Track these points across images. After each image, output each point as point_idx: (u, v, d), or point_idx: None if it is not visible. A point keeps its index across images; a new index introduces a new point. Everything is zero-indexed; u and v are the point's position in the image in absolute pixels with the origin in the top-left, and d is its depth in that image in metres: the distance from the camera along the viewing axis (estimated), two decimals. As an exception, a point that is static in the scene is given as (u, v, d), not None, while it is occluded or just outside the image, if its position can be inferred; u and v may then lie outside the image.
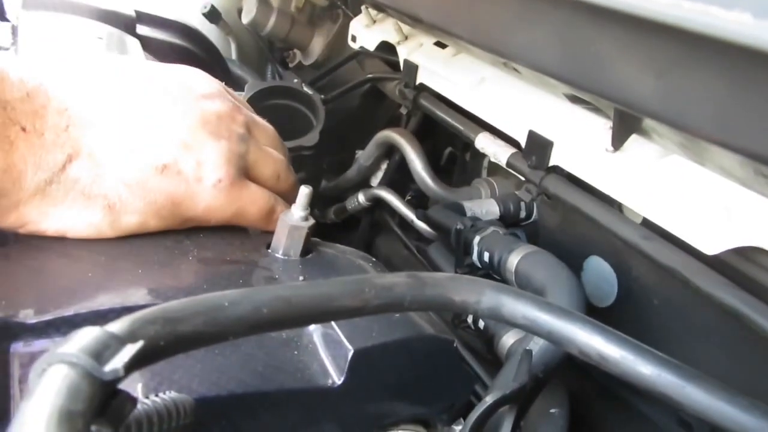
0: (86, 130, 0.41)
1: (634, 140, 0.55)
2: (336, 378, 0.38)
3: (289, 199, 0.53)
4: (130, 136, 0.43)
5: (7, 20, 0.85)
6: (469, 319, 0.70)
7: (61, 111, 0.41)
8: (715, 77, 0.22)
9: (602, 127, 0.57)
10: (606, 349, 0.34)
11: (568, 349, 0.36)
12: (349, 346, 0.38)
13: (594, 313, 0.68)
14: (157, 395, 0.27)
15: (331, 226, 1.13)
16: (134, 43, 0.89)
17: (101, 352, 0.21)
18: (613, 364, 0.34)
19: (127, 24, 0.92)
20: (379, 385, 0.40)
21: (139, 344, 0.22)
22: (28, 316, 0.33)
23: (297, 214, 0.47)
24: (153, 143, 0.44)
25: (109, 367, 0.21)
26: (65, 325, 0.26)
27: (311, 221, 0.47)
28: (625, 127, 0.50)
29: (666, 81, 0.24)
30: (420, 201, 1.02)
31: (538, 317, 0.35)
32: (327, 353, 0.39)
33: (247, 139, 0.50)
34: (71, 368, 0.20)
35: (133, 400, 0.23)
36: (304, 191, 0.47)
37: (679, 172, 0.52)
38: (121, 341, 0.22)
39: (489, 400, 0.44)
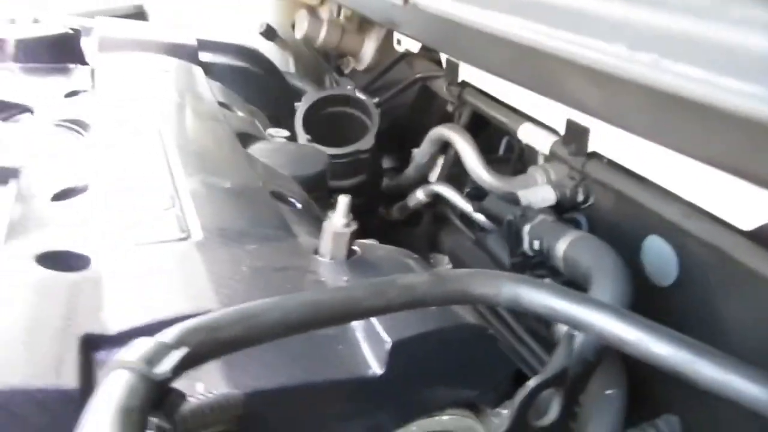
0: None
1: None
2: (377, 369, 0.42)
3: None
4: None
5: (86, 64, 0.94)
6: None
7: None
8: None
9: (635, 111, 0.58)
10: (623, 332, 0.36)
11: (588, 333, 0.38)
12: (388, 339, 0.42)
13: (656, 292, 0.69)
14: (210, 392, 0.32)
15: (396, 223, 1.17)
16: (198, 71, 0.96)
17: (153, 357, 0.26)
18: (632, 346, 0.36)
19: (190, 54, 0.99)
20: (419, 374, 0.44)
21: (184, 350, 0.27)
22: (108, 328, 0.39)
23: (339, 221, 0.51)
24: None
25: (159, 370, 0.26)
26: (137, 334, 0.31)
27: (353, 226, 0.51)
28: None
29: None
30: (479, 193, 1.04)
31: (556, 305, 0.38)
32: (368, 346, 0.43)
33: None
34: (129, 372, 0.25)
35: (184, 396, 0.28)
36: (344, 200, 0.51)
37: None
38: (170, 348, 0.27)
39: (532, 383, 0.46)
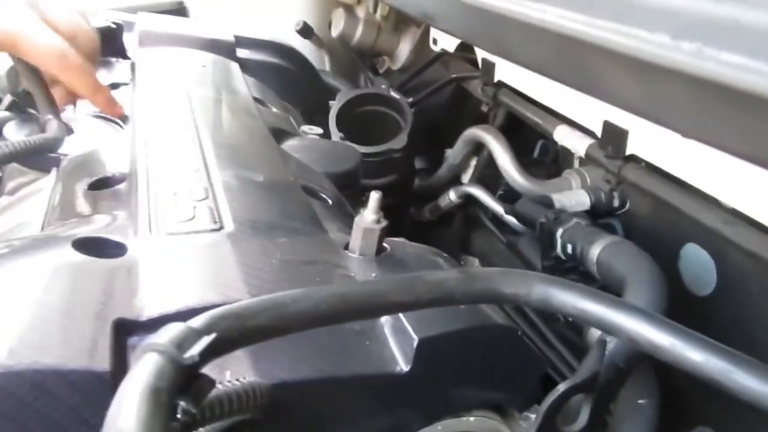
0: None
1: (708, 124, 0.53)
2: (403, 365, 0.42)
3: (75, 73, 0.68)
4: None
5: (128, 58, 0.96)
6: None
7: None
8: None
9: (676, 113, 0.56)
10: (655, 336, 0.35)
11: (619, 337, 0.37)
12: (415, 336, 0.42)
13: (695, 302, 0.67)
14: (237, 380, 0.33)
15: (427, 223, 1.17)
16: (235, 67, 0.97)
17: (182, 342, 0.26)
18: (664, 352, 0.35)
19: (228, 49, 1.01)
20: (446, 372, 0.44)
21: (213, 336, 0.27)
22: (140, 314, 0.40)
23: (369, 217, 0.51)
24: None
25: (188, 354, 0.26)
26: (168, 321, 0.32)
27: (383, 223, 0.51)
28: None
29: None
30: (512, 195, 1.03)
31: (587, 307, 0.37)
32: (395, 342, 0.43)
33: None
34: (159, 355, 0.25)
35: (212, 382, 0.28)
36: (375, 196, 0.51)
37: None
38: (199, 333, 0.27)
39: (561, 388, 0.46)
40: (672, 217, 0.67)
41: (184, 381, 0.26)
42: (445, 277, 0.36)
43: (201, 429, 0.32)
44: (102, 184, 0.63)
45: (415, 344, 0.41)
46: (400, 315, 0.43)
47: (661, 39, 0.19)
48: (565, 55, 0.30)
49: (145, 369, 0.25)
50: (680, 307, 0.55)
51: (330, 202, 0.67)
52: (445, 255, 0.55)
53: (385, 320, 0.44)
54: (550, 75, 0.34)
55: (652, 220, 0.72)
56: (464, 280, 0.36)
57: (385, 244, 0.53)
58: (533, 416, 0.50)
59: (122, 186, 0.63)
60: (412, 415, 0.44)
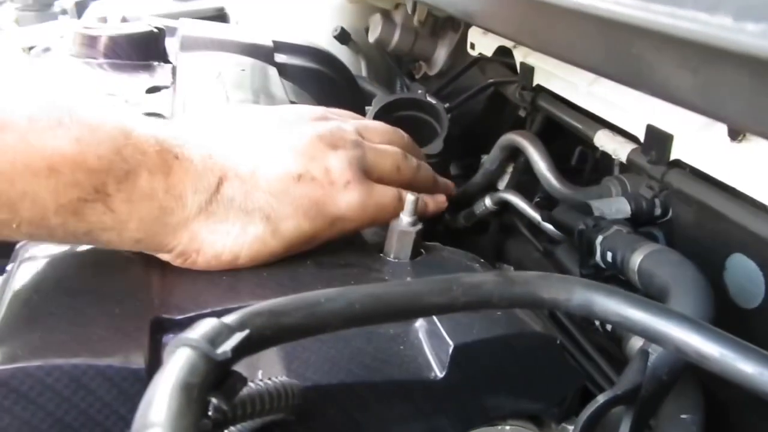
0: (227, 157, 0.48)
1: (759, 128, 0.51)
2: (438, 371, 0.41)
3: (416, 183, 0.58)
4: (264, 157, 0.50)
5: (169, 62, 0.98)
6: (597, 322, 0.69)
7: (201, 146, 0.48)
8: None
9: (724, 117, 0.54)
10: (704, 346, 0.34)
11: (664, 346, 0.35)
12: (450, 342, 0.41)
13: (741, 314, 0.64)
14: (269, 379, 0.32)
15: (462, 230, 1.15)
16: (273, 72, 0.98)
17: (215, 338, 0.26)
18: (713, 362, 0.34)
19: (266, 54, 1.02)
20: (481, 380, 0.42)
21: (246, 333, 0.27)
22: (175, 313, 0.40)
23: (405, 220, 0.50)
24: (285, 159, 0.50)
25: (220, 350, 0.26)
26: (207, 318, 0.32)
27: (419, 226, 0.51)
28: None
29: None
30: (550, 203, 1.01)
31: (631, 314, 0.36)
32: (430, 348, 0.42)
33: (360, 143, 0.55)
34: (191, 350, 0.25)
35: (244, 380, 0.28)
36: (411, 199, 0.50)
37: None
38: (232, 330, 0.27)
39: (601, 399, 0.44)
40: (718, 225, 0.65)
41: (216, 377, 0.26)
42: (483, 279, 0.35)
43: (232, 427, 0.32)
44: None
45: (450, 350, 0.40)
46: (435, 320, 0.43)
47: (722, 21, 0.18)
48: (615, 44, 0.28)
49: (177, 363, 0.24)
50: (726, 320, 0.52)
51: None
52: (482, 260, 0.54)
53: (419, 324, 0.44)
54: (598, 69, 0.33)
55: (696, 228, 0.70)
56: (502, 284, 0.35)
57: (420, 249, 0.53)
58: (571, 428, 0.48)
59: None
60: (445, 422, 0.43)
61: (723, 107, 0.24)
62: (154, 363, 0.36)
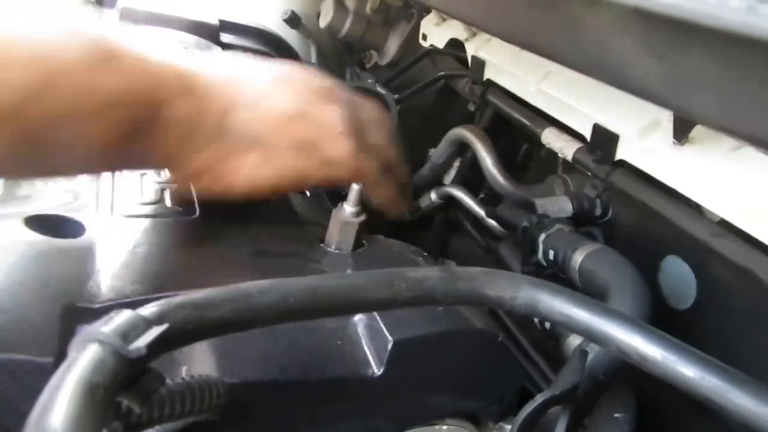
0: (235, 89, 0.51)
1: (702, 132, 0.52)
2: (376, 368, 0.39)
3: (394, 172, 0.61)
4: (267, 94, 0.52)
5: (105, 34, 0.92)
6: (536, 319, 0.69)
7: (208, 80, 0.49)
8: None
9: (669, 119, 0.55)
10: (646, 348, 0.33)
11: (606, 347, 0.35)
12: (390, 337, 0.39)
13: (673, 315, 0.66)
14: (192, 377, 0.30)
15: (406, 224, 1.14)
16: (217, 51, 0.94)
17: (129, 332, 0.23)
18: (654, 365, 0.33)
19: (211, 33, 0.97)
20: (421, 377, 0.41)
21: (165, 327, 0.24)
22: (92, 300, 0.37)
23: (348, 210, 0.48)
24: (287, 99, 0.53)
25: (134, 346, 0.23)
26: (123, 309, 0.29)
27: (362, 217, 0.49)
28: (685, 118, 0.47)
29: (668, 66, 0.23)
30: (494, 199, 1.01)
31: (575, 314, 0.35)
32: (369, 344, 0.40)
33: (355, 105, 0.58)
34: (99, 345, 0.22)
35: (162, 378, 0.25)
36: (356, 188, 0.48)
37: (752, 166, 0.49)
38: (149, 323, 0.24)
39: (539, 398, 0.44)
40: (655, 227, 0.66)
41: (127, 376, 0.23)
42: (427, 275, 0.33)
43: (149, 430, 0.29)
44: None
45: (389, 346, 0.39)
46: (376, 314, 0.41)
47: None
48: (579, 27, 0.27)
49: (81, 360, 0.22)
50: (657, 320, 0.53)
51: (308, 193, 0.65)
52: (425, 254, 0.53)
53: (358, 319, 0.42)
54: (557, 56, 0.31)
55: (634, 229, 0.71)
56: (447, 280, 0.34)
57: (362, 240, 0.51)
58: (508, 427, 0.48)
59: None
60: (382, 421, 0.41)
61: (687, 99, 0.23)
62: (65, 356, 0.33)
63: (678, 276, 0.66)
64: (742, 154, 0.50)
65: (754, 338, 0.57)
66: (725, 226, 0.53)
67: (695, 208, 0.58)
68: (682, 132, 0.51)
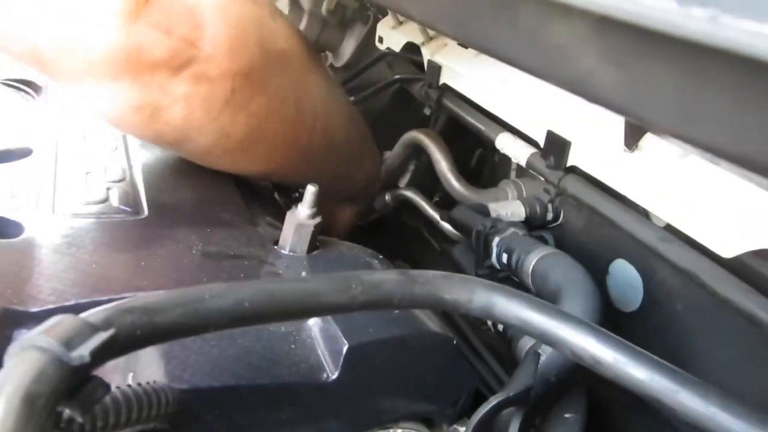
0: None
1: (651, 140, 0.53)
2: (331, 373, 0.38)
3: None
4: None
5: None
6: (489, 322, 0.69)
7: None
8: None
9: (620, 127, 0.56)
10: (599, 351, 0.34)
11: (560, 350, 0.35)
12: (345, 341, 0.38)
13: (619, 317, 0.67)
14: (139, 384, 0.28)
15: (360, 227, 1.13)
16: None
17: (72, 338, 0.22)
18: (606, 367, 0.34)
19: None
20: (376, 381, 0.41)
21: (110, 332, 0.23)
22: (31, 305, 0.35)
23: (304, 212, 0.47)
24: None
25: (76, 353, 0.22)
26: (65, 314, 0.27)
27: (318, 219, 0.48)
28: (637, 126, 0.49)
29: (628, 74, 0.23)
30: (449, 202, 1.01)
31: (530, 317, 0.35)
32: (324, 348, 0.40)
33: None
34: (39, 353, 0.21)
35: (106, 387, 0.24)
36: (311, 190, 0.48)
37: (697, 174, 0.50)
38: (94, 329, 0.23)
39: (493, 401, 0.44)
40: (605, 231, 0.67)
41: (70, 384, 0.22)
42: (383, 278, 0.33)
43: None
44: (4, 156, 0.56)
45: (344, 351, 0.38)
46: (330, 318, 0.40)
47: (666, 4, 0.17)
48: (530, 27, 0.27)
49: (19, 369, 0.20)
50: (605, 323, 0.54)
51: (261, 194, 0.63)
52: (381, 257, 0.52)
53: (313, 323, 0.41)
54: (516, 61, 0.31)
55: (584, 233, 0.72)
56: (403, 283, 0.33)
57: (317, 243, 0.50)
58: (462, 429, 0.48)
59: (27, 160, 0.56)
60: (337, 425, 0.40)
61: (645, 108, 0.23)
62: (1, 364, 0.31)
63: (625, 279, 0.68)
64: (688, 162, 0.52)
65: (696, 340, 0.59)
66: (671, 230, 0.55)
67: (643, 214, 0.60)
68: (632, 139, 0.53)
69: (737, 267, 0.50)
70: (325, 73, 0.69)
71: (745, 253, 0.46)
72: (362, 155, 0.63)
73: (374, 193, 0.70)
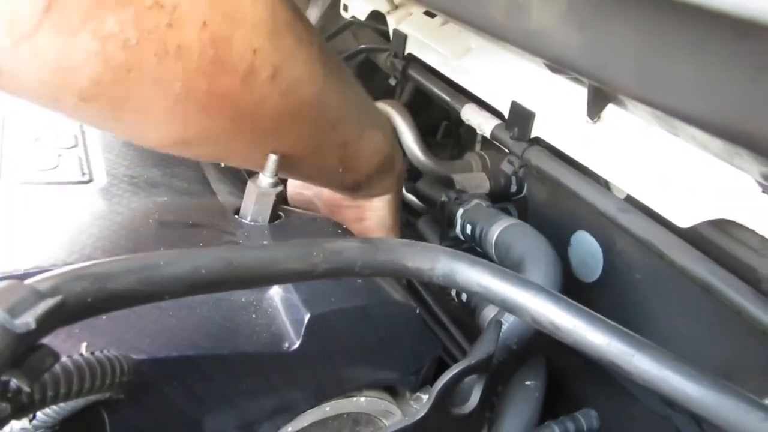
0: None
1: (613, 112, 0.54)
2: (292, 342, 0.38)
3: None
4: None
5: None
6: (453, 292, 0.70)
7: None
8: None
9: (583, 98, 0.56)
10: (558, 317, 0.34)
11: (521, 317, 0.35)
12: (306, 310, 0.38)
13: (580, 287, 0.68)
14: (92, 353, 0.27)
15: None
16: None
17: (17, 305, 0.21)
18: (566, 333, 0.34)
19: None
20: (337, 350, 0.40)
21: (57, 299, 0.22)
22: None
23: (265, 181, 0.47)
24: None
25: (20, 320, 0.21)
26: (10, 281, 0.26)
27: (279, 187, 0.47)
28: (599, 95, 0.49)
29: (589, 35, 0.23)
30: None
31: (492, 284, 0.35)
32: (285, 317, 0.39)
33: None
34: (-19, 319, 0.20)
35: (55, 355, 0.23)
36: (273, 158, 0.47)
37: (656, 145, 0.51)
38: (41, 295, 0.22)
39: (455, 368, 0.44)
40: (567, 203, 0.68)
41: (14, 352, 0.21)
42: (345, 246, 0.33)
43: (48, 410, 0.27)
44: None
45: (305, 320, 0.38)
46: (291, 287, 0.40)
47: None
48: None
49: (-40, 336, 0.19)
50: (566, 293, 0.55)
51: (223, 164, 0.62)
52: (344, 227, 0.52)
53: (274, 292, 0.40)
54: (466, 17, 0.30)
55: (546, 205, 0.73)
56: (366, 250, 0.33)
57: (279, 212, 0.49)
58: (425, 397, 0.48)
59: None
60: (299, 395, 0.40)
61: (606, 68, 0.23)
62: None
63: (586, 250, 0.69)
64: (648, 134, 0.52)
65: (654, 307, 0.60)
66: (631, 202, 0.56)
67: (604, 185, 0.61)
68: (595, 110, 0.53)
69: (694, 236, 0.51)
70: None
71: (702, 223, 0.47)
72: (360, 123, 0.52)
73: (401, 171, 0.66)
